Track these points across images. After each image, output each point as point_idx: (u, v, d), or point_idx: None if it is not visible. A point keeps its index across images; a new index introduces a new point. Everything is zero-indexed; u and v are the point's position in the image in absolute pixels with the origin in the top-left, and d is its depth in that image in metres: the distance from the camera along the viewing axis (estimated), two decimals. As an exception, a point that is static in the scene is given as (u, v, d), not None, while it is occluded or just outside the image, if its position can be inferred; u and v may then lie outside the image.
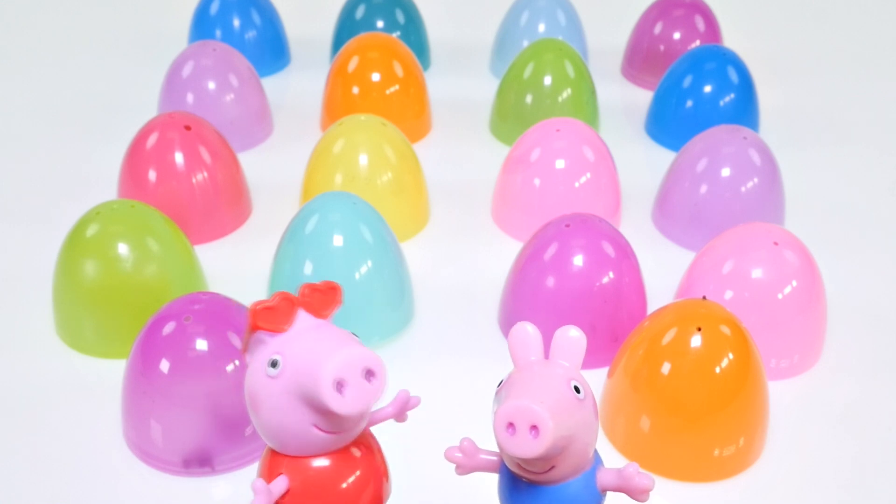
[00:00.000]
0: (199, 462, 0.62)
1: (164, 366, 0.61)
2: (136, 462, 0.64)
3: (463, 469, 0.50)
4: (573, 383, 0.45)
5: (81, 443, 0.65)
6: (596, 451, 0.48)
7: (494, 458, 0.49)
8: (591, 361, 0.71)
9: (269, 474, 0.48)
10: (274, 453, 0.48)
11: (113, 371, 0.70)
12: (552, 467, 0.46)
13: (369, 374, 0.44)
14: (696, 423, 0.62)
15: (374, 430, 0.52)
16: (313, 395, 0.43)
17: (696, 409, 0.61)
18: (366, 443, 0.49)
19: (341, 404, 0.43)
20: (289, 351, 0.45)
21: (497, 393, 0.46)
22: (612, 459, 0.64)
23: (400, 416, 0.52)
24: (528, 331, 0.48)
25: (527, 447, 0.43)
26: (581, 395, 0.45)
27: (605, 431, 0.66)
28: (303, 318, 0.46)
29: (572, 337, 0.47)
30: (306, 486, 0.47)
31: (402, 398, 0.52)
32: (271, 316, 0.45)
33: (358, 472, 0.48)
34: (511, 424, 0.43)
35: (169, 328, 0.62)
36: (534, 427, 0.43)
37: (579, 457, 0.46)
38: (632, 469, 0.46)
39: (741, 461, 0.64)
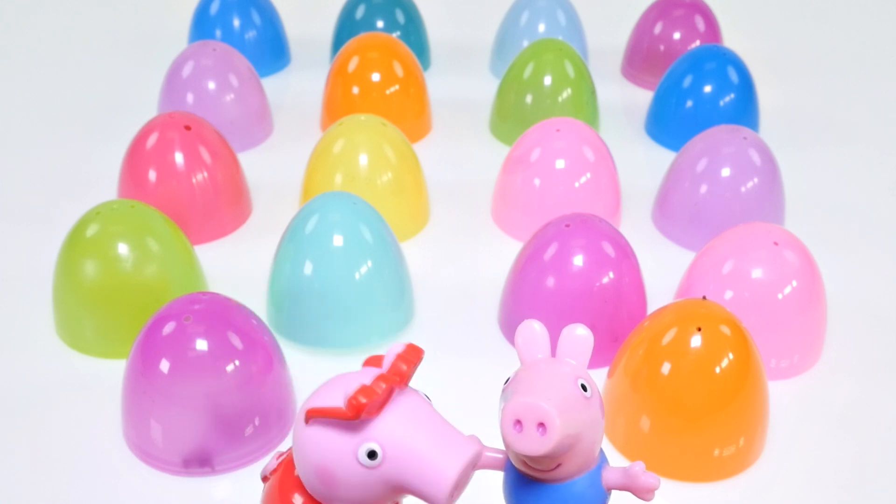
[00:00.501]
0: (199, 462, 0.62)
1: (164, 366, 0.61)
2: (136, 462, 0.64)
3: None
4: (580, 381, 0.45)
5: (81, 443, 0.65)
6: (602, 449, 0.48)
7: (500, 455, 0.49)
8: (591, 361, 0.71)
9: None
10: (300, 488, 0.46)
11: (113, 371, 0.70)
12: (558, 465, 0.46)
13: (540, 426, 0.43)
14: (696, 423, 0.62)
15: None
16: (425, 497, 0.42)
17: (696, 409, 0.61)
18: None
19: (450, 501, 0.42)
20: (389, 444, 0.42)
21: (504, 390, 0.46)
22: (613, 459, 0.64)
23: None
24: (535, 329, 0.48)
25: (534, 444, 0.43)
26: (588, 394, 0.45)
27: (605, 431, 0.66)
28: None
29: (579, 335, 0.47)
30: None
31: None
32: (374, 410, 0.42)
33: None
34: (518, 421, 0.43)
35: (169, 328, 0.62)
36: (541, 424, 0.43)
37: (585, 455, 0.46)
38: (638, 468, 0.46)
39: (741, 461, 0.63)
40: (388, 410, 0.43)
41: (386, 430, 0.42)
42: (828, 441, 0.67)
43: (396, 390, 0.43)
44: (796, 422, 0.68)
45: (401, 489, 0.43)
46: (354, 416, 0.42)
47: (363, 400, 0.41)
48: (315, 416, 0.43)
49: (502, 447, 0.47)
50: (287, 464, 0.47)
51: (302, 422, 0.43)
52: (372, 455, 0.42)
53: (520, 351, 0.48)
